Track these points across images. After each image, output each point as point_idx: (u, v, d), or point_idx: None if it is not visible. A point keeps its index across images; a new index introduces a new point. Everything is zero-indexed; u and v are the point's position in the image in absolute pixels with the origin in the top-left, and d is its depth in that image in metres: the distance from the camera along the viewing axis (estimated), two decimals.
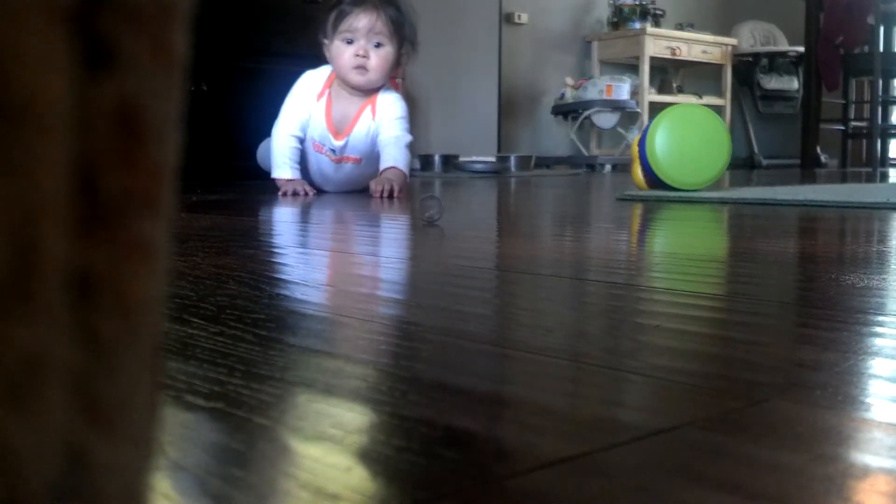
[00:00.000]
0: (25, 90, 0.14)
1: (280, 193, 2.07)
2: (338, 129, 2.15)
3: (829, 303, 0.57)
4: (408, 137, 2.15)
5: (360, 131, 2.15)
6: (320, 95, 2.17)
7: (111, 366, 0.16)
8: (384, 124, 2.13)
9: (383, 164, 2.08)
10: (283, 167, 2.12)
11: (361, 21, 2.09)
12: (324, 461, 0.28)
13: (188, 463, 0.28)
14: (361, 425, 0.32)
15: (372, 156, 2.17)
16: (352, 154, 2.17)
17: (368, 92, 2.16)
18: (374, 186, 1.98)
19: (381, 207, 1.65)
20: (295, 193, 2.06)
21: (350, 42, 2.11)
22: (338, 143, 2.15)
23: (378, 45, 2.11)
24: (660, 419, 0.32)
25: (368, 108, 2.16)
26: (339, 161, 2.17)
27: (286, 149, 2.13)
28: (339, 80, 2.16)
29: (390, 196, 1.95)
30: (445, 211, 1.21)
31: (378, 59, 2.11)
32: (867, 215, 1.35)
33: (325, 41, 2.17)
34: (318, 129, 2.14)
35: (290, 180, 2.11)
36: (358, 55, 2.09)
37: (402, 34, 2.15)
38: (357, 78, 2.11)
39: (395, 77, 3.80)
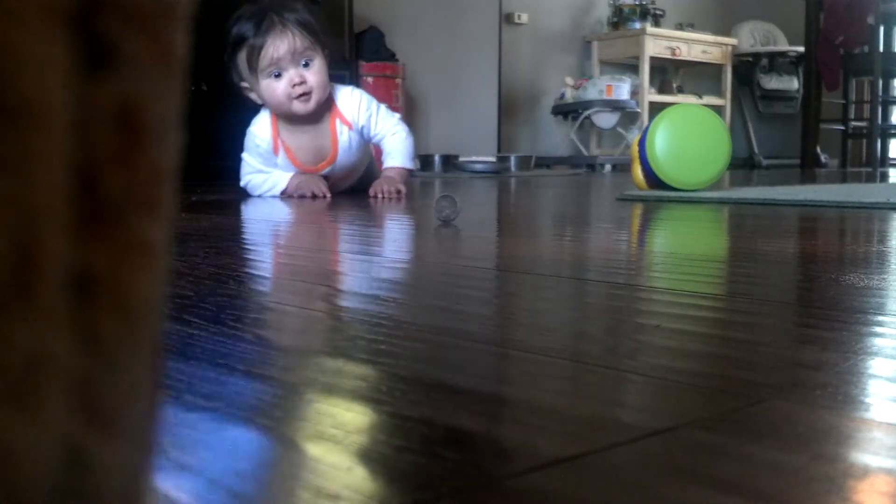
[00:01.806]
0: (25, 90, 0.14)
1: (299, 196, 1.93)
2: (316, 162, 2.01)
3: (829, 303, 0.57)
4: (403, 129, 2.00)
5: (343, 150, 2.00)
6: (276, 149, 1.98)
7: (111, 365, 0.16)
8: (371, 124, 1.98)
9: (385, 164, 2.00)
10: (280, 180, 1.96)
11: (280, 48, 1.87)
12: (324, 461, 0.28)
13: (188, 463, 0.28)
14: (361, 425, 0.32)
15: (360, 161, 2.06)
16: (341, 172, 2.05)
17: (324, 108, 1.97)
18: (375, 189, 1.91)
19: (383, 208, 1.65)
20: (314, 196, 1.90)
21: (279, 75, 1.90)
22: (326, 171, 2.02)
23: (307, 64, 1.91)
24: (660, 419, 0.32)
25: (338, 122, 1.99)
26: (327, 177, 2.05)
27: (264, 170, 1.98)
28: (282, 117, 1.95)
29: (391, 197, 1.89)
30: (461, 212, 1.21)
31: (315, 76, 1.91)
32: (867, 215, 1.35)
33: (245, 84, 1.95)
34: (297, 171, 2.00)
35: (300, 179, 1.93)
36: (295, 84, 1.89)
37: (318, 37, 1.93)
38: (303, 106, 1.91)
39: (394, 78, 3.81)
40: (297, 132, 1.98)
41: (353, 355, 0.44)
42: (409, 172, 2.01)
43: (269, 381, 0.38)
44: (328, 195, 1.93)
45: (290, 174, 1.98)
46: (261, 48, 1.87)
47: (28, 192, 0.14)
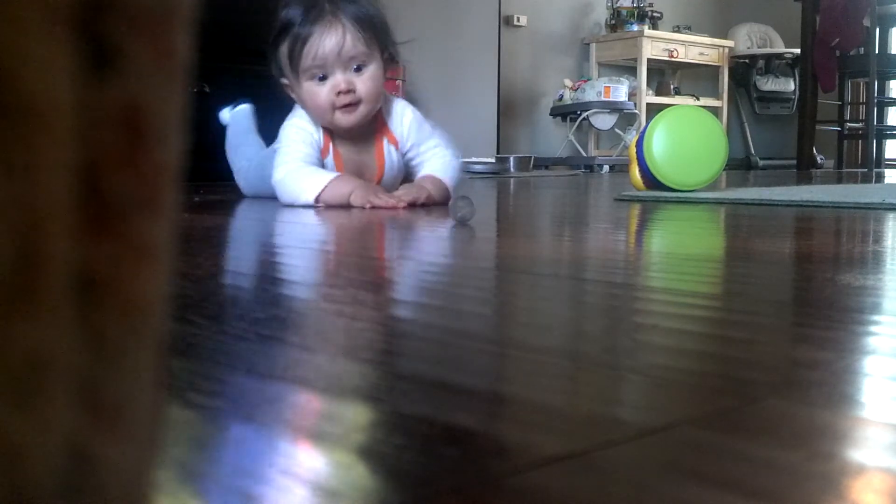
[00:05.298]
0: (29, 92, 0.14)
1: (362, 204, 1.51)
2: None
3: (824, 302, 0.58)
4: (450, 150, 1.67)
5: (388, 171, 1.68)
6: (326, 151, 1.65)
7: (115, 365, 0.16)
8: (417, 146, 1.66)
9: (423, 172, 1.65)
10: (318, 175, 1.56)
11: (327, 44, 1.53)
12: (324, 459, 0.28)
13: (190, 461, 0.28)
14: (362, 423, 0.32)
15: (403, 178, 1.73)
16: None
17: (374, 124, 1.65)
18: (402, 193, 1.56)
19: (394, 212, 1.63)
20: (374, 207, 1.48)
21: (323, 78, 1.57)
22: None
23: (359, 69, 1.58)
24: (657, 417, 0.32)
25: (385, 141, 1.68)
26: None
27: (307, 161, 1.60)
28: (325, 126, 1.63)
29: (414, 204, 1.53)
30: (477, 212, 1.21)
31: (366, 85, 1.57)
32: (863, 216, 1.35)
33: (285, 81, 1.61)
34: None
35: (357, 182, 1.54)
36: (340, 92, 1.55)
37: (378, 36, 1.60)
38: (346, 119, 1.58)
39: (395, 80, 3.80)
40: (346, 140, 1.66)
41: (354, 354, 0.44)
42: (447, 190, 1.61)
43: (270, 380, 0.38)
44: (405, 203, 1.52)
45: (331, 177, 1.58)
46: (305, 41, 1.54)
47: (32, 193, 0.14)
